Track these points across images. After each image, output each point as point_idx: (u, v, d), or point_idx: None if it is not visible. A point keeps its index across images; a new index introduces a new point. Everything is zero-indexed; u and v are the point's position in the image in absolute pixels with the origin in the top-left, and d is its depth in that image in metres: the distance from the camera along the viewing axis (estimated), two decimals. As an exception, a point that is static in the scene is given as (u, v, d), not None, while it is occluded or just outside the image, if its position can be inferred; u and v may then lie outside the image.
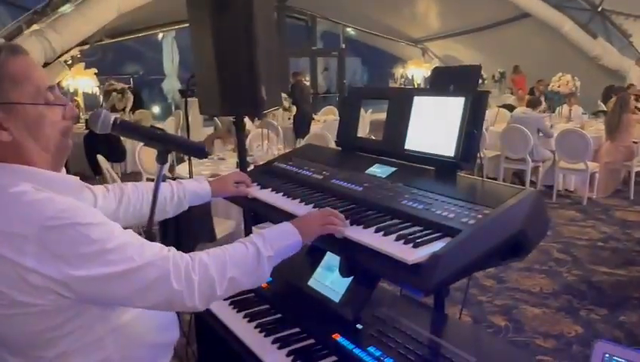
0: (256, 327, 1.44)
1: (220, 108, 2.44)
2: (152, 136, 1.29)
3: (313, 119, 8.49)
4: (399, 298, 1.54)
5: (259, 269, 1.19)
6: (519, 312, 3.82)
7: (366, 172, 1.64)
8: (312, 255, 1.65)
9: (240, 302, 1.59)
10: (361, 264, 1.26)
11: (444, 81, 1.55)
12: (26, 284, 0.99)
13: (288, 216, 1.47)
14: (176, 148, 1.37)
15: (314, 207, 1.48)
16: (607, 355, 0.98)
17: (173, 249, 1.12)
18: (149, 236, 1.27)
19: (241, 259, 1.17)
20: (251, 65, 2.36)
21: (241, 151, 2.63)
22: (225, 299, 1.61)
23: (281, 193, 1.64)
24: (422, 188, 1.41)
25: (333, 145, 3.08)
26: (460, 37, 14.39)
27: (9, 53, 1.05)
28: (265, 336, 1.40)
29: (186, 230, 3.32)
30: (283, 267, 1.66)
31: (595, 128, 7.55)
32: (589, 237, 5.54)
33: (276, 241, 1.23)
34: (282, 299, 1.57)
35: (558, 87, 8.00)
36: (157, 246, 1.11)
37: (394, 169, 1.59)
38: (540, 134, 7.17)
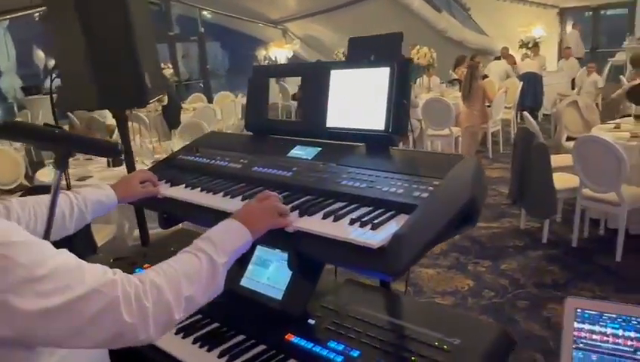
0: (194, 342, 1.27)
1: (97, 101, 2.13)
2: (50, 137, 1.04)
3: (182, 108, 8.08)
4: (340, 283, 1.46)
5: (215, 280, 1.02)
6: (416, 276, 3.99)
7: (288, 155, 1.52)
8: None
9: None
10: (315, 256, 1.15)
11: (362, 51, 1.47)
12: None
13: (215, 214, 1.30)
14: (82, 149, 1.13)
15: (243, 200, 1.34)
16: (579, 310, 0.99)
17: (119, 271, 0.91)
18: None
19: (196, 274, 0.99)
20: (131, 51, 2.10)
21: (127, 149, 2.35)
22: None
23: (199, 188, 1.46)
24: (357, 165, 1.33)
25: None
26: (318, 16, 14.59)
27: None
28: (208, 351, 1.23)
29: (61, 242, 2.93)
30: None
31: (453, 96, 8.14)
32: (462, 196, 5.97)
33: (227, 244, 1.06)
34: (214, 306, 1.40)
35: (417, 59, 8.46)
36: (99, 268, 0.89)
37: (319, 149, 1.49)
38: (407, 105, 7.54)
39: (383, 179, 1.24)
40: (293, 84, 11.20)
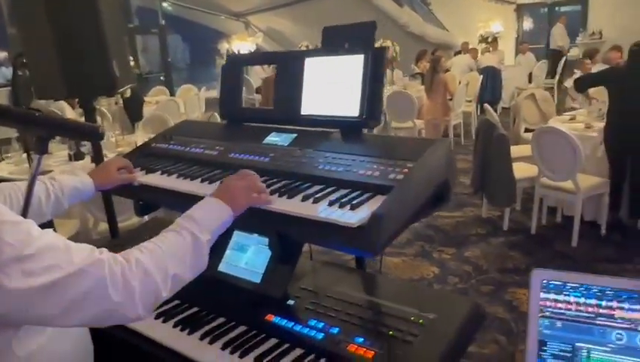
0: (175, 326, 1.28)
1: (65, 90, 2.10)
2: (32, 120, 1.03)
3: (144, 101, 7.93)
4: (317, 265, 1.50)
5: (200, 258, 1.04)
6: (384, 265, 4.07)
7: (264, 142, 1.55)
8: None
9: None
10: (297, 237, 1.18)
11: (337, 40, 1.51)
12: None
13: (193, 200, 1.31)
14: (64, 132, 1.12)
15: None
16: (544, 281, 1.06)
17: (105, 250, 0.92)
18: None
19: (181, 252, 1.01)
20: (100, 40, 2.07)
21: (97, 150, 2.30)
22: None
23: (175, 175, 1.47)
24: (333, 150, 1.37)
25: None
26: (280, 9, 14.54)
27: None
28: (189, 334, 1.25)
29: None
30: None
31: (416, 89, 8.28)
32: (426, 187, 6.11)
33: (210, 222, 1.08)
34: (193, 292, 1.41)
35: (380, 53, 8.55)
36: (86, 247, 0.90)
37: (294, 135, 1.52)
38: (371, 98, 7.64)
39: (359, 162, 1.28)
40: (256, 77, 11.15)
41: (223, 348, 1.18)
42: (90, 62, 2.06)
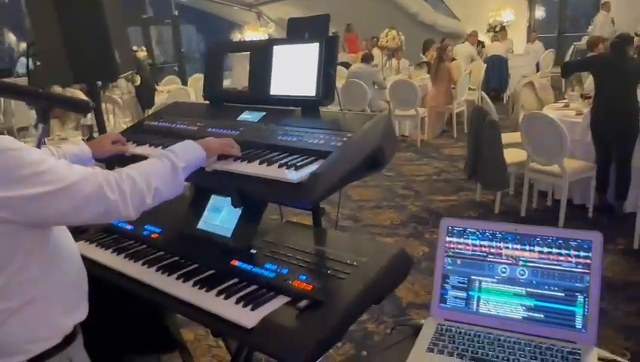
0: (157, 271, 1.54)
1: (72, 76, 2.37)
2: (35, 94, 1.30)
3: (156, 90, 8.23)
4: (281, 224, 1.75)
5: (176, 179, 1.33)
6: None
7: (238, 119, 1.79)
8: (197, 202, 1.77)
9: (134, 253, 1.67)
10: (251, 193, 1.44)
11: (299, 30, 1.74)
12: None
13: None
14: (61, 104, 1.38)
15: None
16: (449, 227, 1.29)
17: (97, 167, 1.22)
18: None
19: (161, 172, 1.30)
20: (102, 28, 2.33)
21: (100, 122, 2.58)
22: (119, 253, 1.68)
23: (161, 146, 1.73)
24: (292, 125, 1.62)
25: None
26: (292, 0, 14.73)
27: None
28: (168, 276, 1.51)
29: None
30: (171, 217, 1.78)
31: (420, 78, 8.43)
32: (425, 173, 6.32)
33: (186, 154, 1.38)
34: (175, 245, 1.68)
35: (386, 42, 8.74)
36: (81, 167, 1.19)
37: (263, 113, 1.76)
38: (375, 87, 7.84)
39: (310, 134, 1.52)
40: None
41: (194, 285, 1.44)
42: (94, 51, 2.32)
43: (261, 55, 1.80)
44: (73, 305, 1.32)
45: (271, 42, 1.81)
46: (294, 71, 1.72)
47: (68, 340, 1.28)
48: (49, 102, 1.30)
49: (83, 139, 4.45)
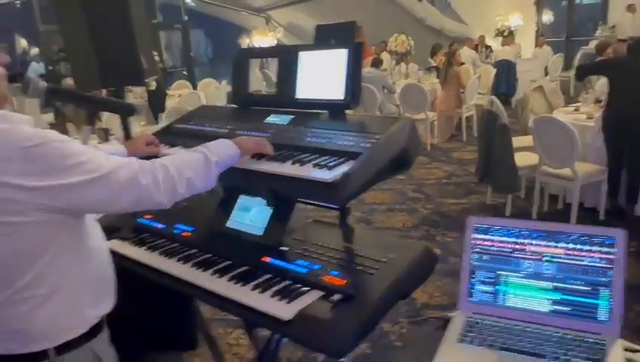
0: (192, 266, 1.61)
1: (101, 80, 2.45)
2: (86, 99, 1.38)
3: (167, 94, 8.34)
4: (309, 222, 1.82)
5: (209, 172, 1.40)
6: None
7: (265, 122, 1.86)
8: (225, 201, 1.84)
9: (168, 250, 1.73)
10: (285, 192, 1.50)
11: (325, 36, 1.81)
12: (13, 203, 1.11)
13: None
14: (108, 108, 1.46)
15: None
16: (475, 225, 1.35)
17: (133, 158, 1.30)
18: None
19: (194, 163, 1.37)
20: (128, 35, 2.41)
21: (125, 125, 2.65)
22: (153, 250, 1.75)
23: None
24: (321, 127, 1.68)
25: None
26: (300, 4, 14.84)
27: None
28: (203, 271, 1.57)
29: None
30: (201, 216, 1.85)
31: (430, 82, 8.50)
32: (436, 176, 6.37)
33: (219, 150, 1.45)
34: (207, 243, 1.74)
35: (395, 46, 8.81)
36: (118, 157, 1.27)
37: (292, 117, 1.83)
38: (385, 91, 7.90)
39: (340, 136, 1.59)
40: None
41: (229, 280, 1.50)
42: (121, 57, 2.40)
43: (287, 60, 1.87)
44: (99, 298, 1.38)
45: (297, 48, 1.88)
46: (321, 75, 1.78)
47: (93, 331, 1.34)
48: (99, 106, 1.38)
49: (99, 142, 4.54)
